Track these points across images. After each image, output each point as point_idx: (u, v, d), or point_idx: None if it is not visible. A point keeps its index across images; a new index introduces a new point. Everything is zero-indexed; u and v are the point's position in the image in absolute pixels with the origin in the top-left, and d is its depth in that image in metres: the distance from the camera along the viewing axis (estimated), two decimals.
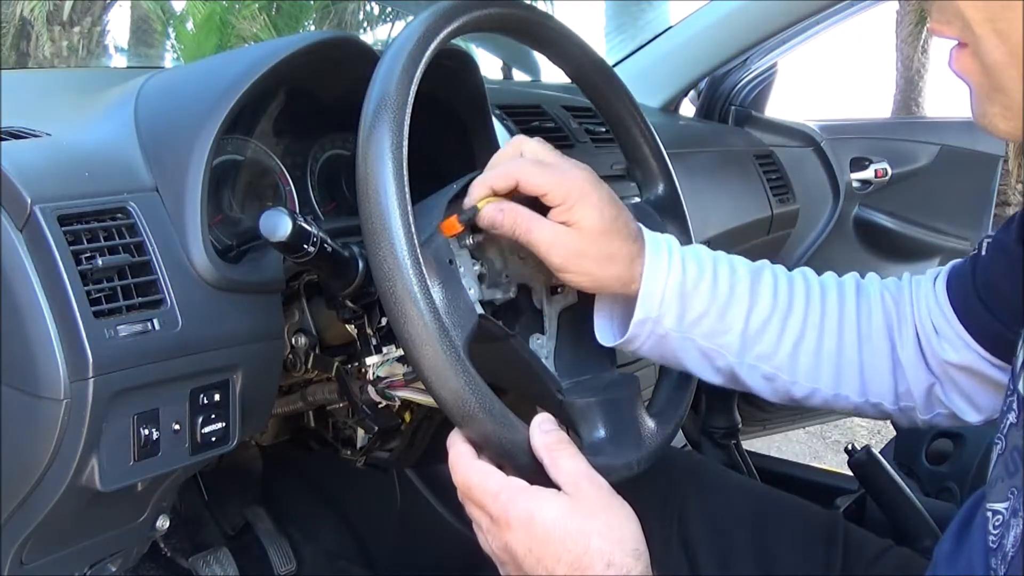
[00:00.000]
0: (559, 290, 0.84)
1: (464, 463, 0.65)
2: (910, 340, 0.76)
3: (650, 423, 0.78)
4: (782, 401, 0.81)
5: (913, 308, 0.77)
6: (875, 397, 0.78)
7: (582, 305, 0.84)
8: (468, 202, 0.74)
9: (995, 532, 0.57)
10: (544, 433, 0.65)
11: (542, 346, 0.82)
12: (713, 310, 0.76)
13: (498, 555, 0.65)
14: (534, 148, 0.76)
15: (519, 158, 0.75)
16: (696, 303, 0.76)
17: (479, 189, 0.73)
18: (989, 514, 0.57)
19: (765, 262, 0.82)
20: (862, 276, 0.83)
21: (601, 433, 0.73)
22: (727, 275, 0.78)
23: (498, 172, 0.73)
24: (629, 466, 0.72)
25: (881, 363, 0.78)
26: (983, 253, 0.72)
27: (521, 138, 0.77)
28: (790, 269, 0.83)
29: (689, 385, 0.85)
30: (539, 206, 0.74)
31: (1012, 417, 0.59)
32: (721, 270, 0.78)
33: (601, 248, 0.74)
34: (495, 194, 0.73)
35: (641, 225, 0.78)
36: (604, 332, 0.81)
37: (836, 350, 0.78)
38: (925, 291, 0.77)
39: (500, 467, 0.66)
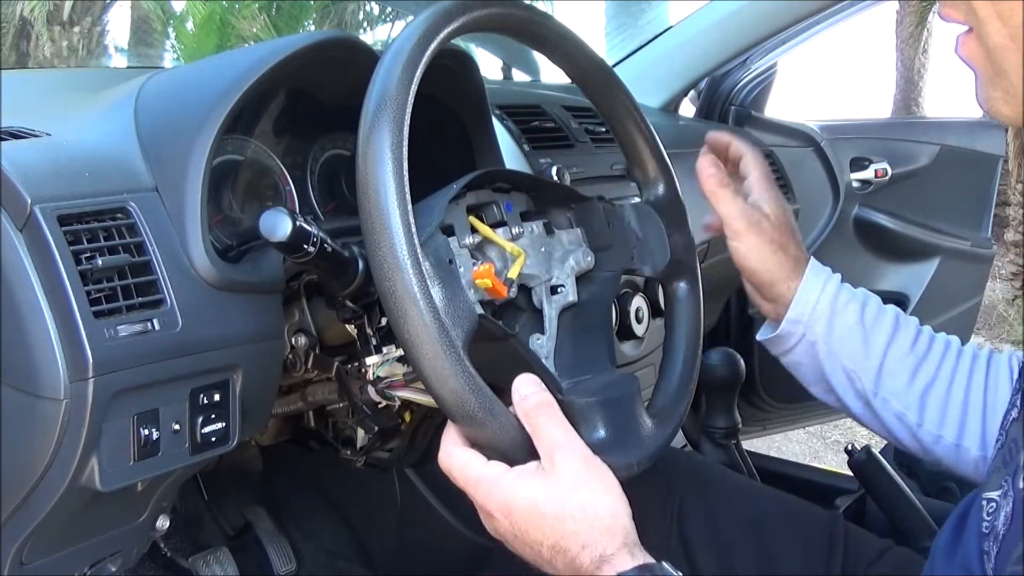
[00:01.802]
0: (559, 290, 0.84)
1: (446, 449, 0.68)
2: None
3: (650, 423, 0.78)
4: (913, 449, 0.85)
5: None
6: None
7: (582, 305, 0.84)
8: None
9: (988, 519, 0.58)
10: (522, 399, 0.67)
11: (542, 346, 0.82)
12: (858, 332, 0.83)
13: (495, 534, 0.68)
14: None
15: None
16: (843, 321, 0.83)
17: (707, 157, 0.89)
18: (984, 503, 0.59)
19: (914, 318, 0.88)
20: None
21: (601, 433, 0.73)
22: (875, 307, 0.85)
23: (720, 133, 0.91)
24: (629, 467, 0.72)
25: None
26: None
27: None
28: None
29: (689, 385, 0.85)
30: None
31: (1015, 413, 0.59)
32: (870, 303, 0.85)
33: (775, 235, 0.86)
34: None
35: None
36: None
37: (962, 402, 0.82)
38: None
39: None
